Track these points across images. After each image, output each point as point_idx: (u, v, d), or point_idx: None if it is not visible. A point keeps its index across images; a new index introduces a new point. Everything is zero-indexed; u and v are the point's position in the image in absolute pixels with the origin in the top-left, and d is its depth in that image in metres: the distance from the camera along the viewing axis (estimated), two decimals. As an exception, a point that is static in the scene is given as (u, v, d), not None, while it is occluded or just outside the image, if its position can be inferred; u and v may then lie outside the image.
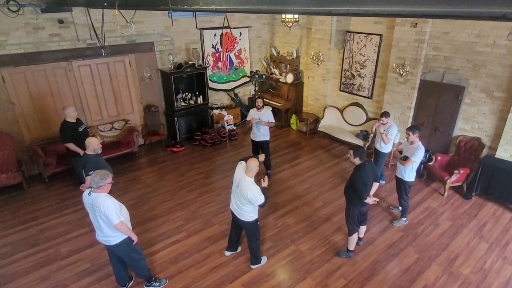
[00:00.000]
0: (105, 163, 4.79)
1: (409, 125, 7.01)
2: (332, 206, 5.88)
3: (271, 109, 6.75)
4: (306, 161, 7.54)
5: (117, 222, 3.51)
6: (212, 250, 4.86)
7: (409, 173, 5.05)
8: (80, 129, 5.62)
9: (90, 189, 3.56)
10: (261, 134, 6.38)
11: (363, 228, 4.81)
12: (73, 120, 5.56)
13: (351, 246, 4.68)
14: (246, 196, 3.85)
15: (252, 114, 6.34)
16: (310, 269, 4.53)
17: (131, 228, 3.84)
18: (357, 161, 4.27)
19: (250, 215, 4.11)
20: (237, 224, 4.41)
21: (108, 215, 3.46)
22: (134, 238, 3.83)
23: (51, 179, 6.51)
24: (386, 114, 5.73)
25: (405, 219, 5.39)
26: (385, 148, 5.96)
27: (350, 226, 4.57)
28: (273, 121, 6.38)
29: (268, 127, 6.35)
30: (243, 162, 4.03)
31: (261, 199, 3.88)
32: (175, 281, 4.35)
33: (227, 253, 4.74)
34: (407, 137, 4.97)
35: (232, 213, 4.32)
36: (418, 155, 4.83)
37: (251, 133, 6.55)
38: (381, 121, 5.77)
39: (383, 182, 6.47)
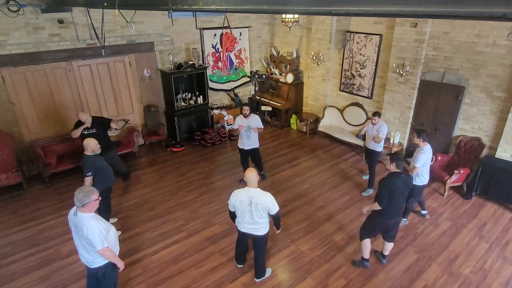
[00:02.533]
0: (104, 163, 4.79)
1: (409, 125, 7.03)
2: (332, 206, 5.88)
3: (257, 112, 6.54)
4: (306, 161, 7.54)
5: (101, 248, 3.20)
6: (212, 250, 4.86)
7: (416, 177, 4.95)
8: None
9: (75, 207, 3.23)
10: (252, 141, 6.08)
11: (388, 245, 4.47)
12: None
13: (365, 254, 4.43)
14: (266, 205, 3.77)
15: (240, 121, 5.98)
16: (310, 269, 4.53)
17: (117, 252, 3.55)
18: (392, 167, 4.04)
19: (266, 226, 4.02)
20: (246, 243, 4.33)
21: (91, 239, 3.15)
22: (120, 265, 3.52)
23: (51, 179, 6.51)
24: (378, 114, 5.80)
25: (405, 219, 5.39)
26: (379, 147, 5.97)
27: (361, 232, 4.38)
28: (262, 126, 6.13)
29: (257, 133, 6.08)
30: (237, 190, 3.98)
31: (277, 204, 3.87)
32: (175, 281, 4.35)
33: (241, 265, 4.55)
34: (412, 138, 4.91)
35: (243, 235, 4.15)
36: (419, 160, 4.76)
37: (239, 143, 6.18)
38: (373, 121, 5.79)
39: (370, 192, 6.26)
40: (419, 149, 4.84)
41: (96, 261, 3.38)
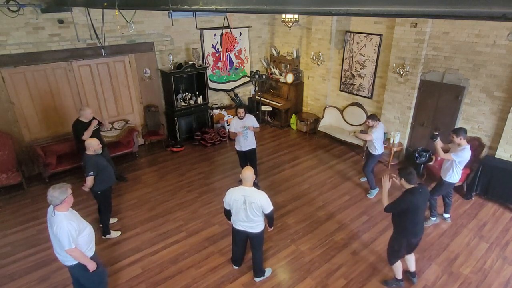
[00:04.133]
0: (105, 163, 4.79)
1: (409, 125, 7.03)
2: (332, 206, 5.88)
3: (257, 112, 6.48)
4: (306, 161, 7.54)
5: (68, 249, 3.20)
6: (212, 250, 4.87)
7: (450, 174, 4.86)
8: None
9: (52, 207, 3.21)
10: (249, 141, 6.03)
11: (410, 258, 4.22)
12: (86, 120, 5.60)
13: (399, 275, 4.16)
14: (260, 204, 3.79)
15: (235, 124, 5.93)
16: (310, 269, 4.53)
17: (92, 251, 3.50)
18: (404, 183, 3.68)
19: (261, 224, 4.04)
20: (243, 241, 4.27)
21: (60, 238, 3.17)
22: (90, 266, 3.42)
23: (51, 179, 6.51)
24: (373, 117, 5.77)
25: (434, 218, 5.31)
26: (376, 150, 5.89)
27: (391, 258, 4.07)
28: (258, 125, 6.09)
29: (253, 133, 6.05)
30: (232, 188, 3.98)
31: (271, 204, 3.89)
32: (175, 281, 4.35)
33: (237, 267, 4.55)
34: (451, 139, 4.80)
35: (238, 233, 4.12)
36: (459, 155, 4.65)
37: (237, 144, 6.12)
38: (367, 123, 5.80)
39: (374, 193, 6.19)
40: (461, 148, 4.68)
41: (67, 259, 3.37)
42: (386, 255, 4.20)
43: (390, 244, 4.06)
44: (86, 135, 5.43)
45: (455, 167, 4.81)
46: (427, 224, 5.29)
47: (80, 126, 5.55)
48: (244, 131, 5.91)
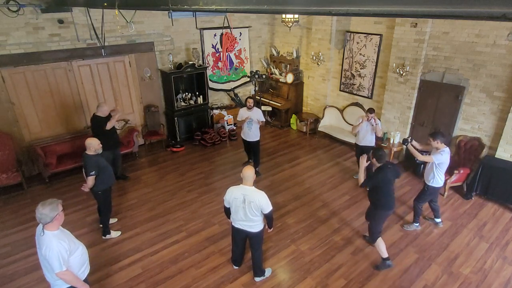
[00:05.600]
0: (105, 163, 4.78)
1: (409, 125, 7.02)
2: (332, 206, 5.88)
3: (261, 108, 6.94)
4: (306, 161, 7.54)
5: (58, 271, 2.90)
6: (212, 250, 4.87)
7: (432, 178, 4.88)
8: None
9: (41, 226, 2.99)
10: (253, 133, 6.52)
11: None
12: (103, 116, 5.92)
13: (384, 253, 4.44)
14: (259, 204, 3.79)
15: (243, 113, 6.47)
16: (310, 269, 4.53)
17: (86, 272, 3.26)
18: (375, 162, 4.35)
19: (260, 223, 4.04)
20: (243, 240, 4.27)
21: (49, 260, 2.87)
22: None
23: (51, 179, 6.51)
24: (372, 111, 5.98)
25: (417, 224, 5.27)
26: (372, 142, 6.13)
27: (373, 235, 4.43)
28: (264, 120, 6.58)
29: (258, 126, 6.50)
30: (232, 187, 3.99)
31: (270, 204, 3.89)
32: (175, 281, 4.35)
33: (237, 267, 4.56)
34: (429, 143, 4.81)
35: (238, 232, 4.13)
36: (438, 157, 4.68)
37: (243, 133, 6.69)
38: (368, 118, 5.91)
39: None
40: (440, 150, 4.69)
41: (56, 284, 3.08)
42: (369, 235, 4.58)
43: (369, 218, 4.52)
44: (109, 125, 5.87)
45: (435, 170, 4.81)
46: (407, 228, 5.26)
47: (98, 120, 5.87)
48: (249, 122, 6.36)
